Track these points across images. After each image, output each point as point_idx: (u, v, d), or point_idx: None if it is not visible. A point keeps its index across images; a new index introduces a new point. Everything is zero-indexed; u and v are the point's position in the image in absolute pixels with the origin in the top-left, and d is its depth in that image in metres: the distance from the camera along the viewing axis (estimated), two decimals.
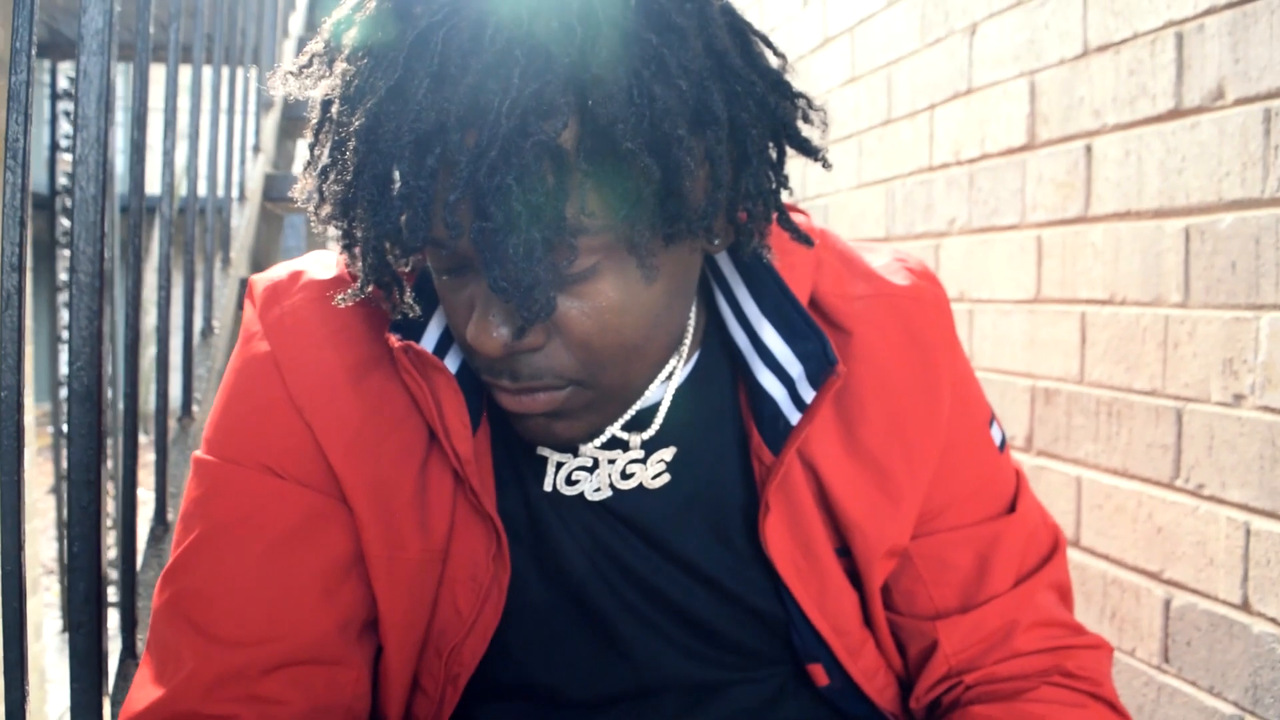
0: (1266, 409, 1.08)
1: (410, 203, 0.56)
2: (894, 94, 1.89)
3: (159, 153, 1.43)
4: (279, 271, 0.75)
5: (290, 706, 0.66)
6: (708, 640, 0.76)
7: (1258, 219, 1.09)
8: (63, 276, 3.62)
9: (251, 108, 2.14)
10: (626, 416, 0.71)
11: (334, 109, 0.60)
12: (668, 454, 0.73)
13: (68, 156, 3.66)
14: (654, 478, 0.73)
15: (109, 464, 2.62)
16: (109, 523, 2.98)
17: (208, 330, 1.73)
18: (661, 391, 0.72)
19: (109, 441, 2.61)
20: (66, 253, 3.53)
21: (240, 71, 1.97)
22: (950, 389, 0.78)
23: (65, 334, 3.55)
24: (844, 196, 2.11)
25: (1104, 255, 1.32)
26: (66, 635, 3.29)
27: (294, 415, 0.69)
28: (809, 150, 0.68)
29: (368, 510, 0.69)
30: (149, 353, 1.68)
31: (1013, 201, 1.52)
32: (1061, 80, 1.40)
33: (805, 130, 0.68)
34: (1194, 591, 1.18)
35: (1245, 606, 1.10)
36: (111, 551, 2.75)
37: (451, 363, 0.71)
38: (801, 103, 0.66)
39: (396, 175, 0.57)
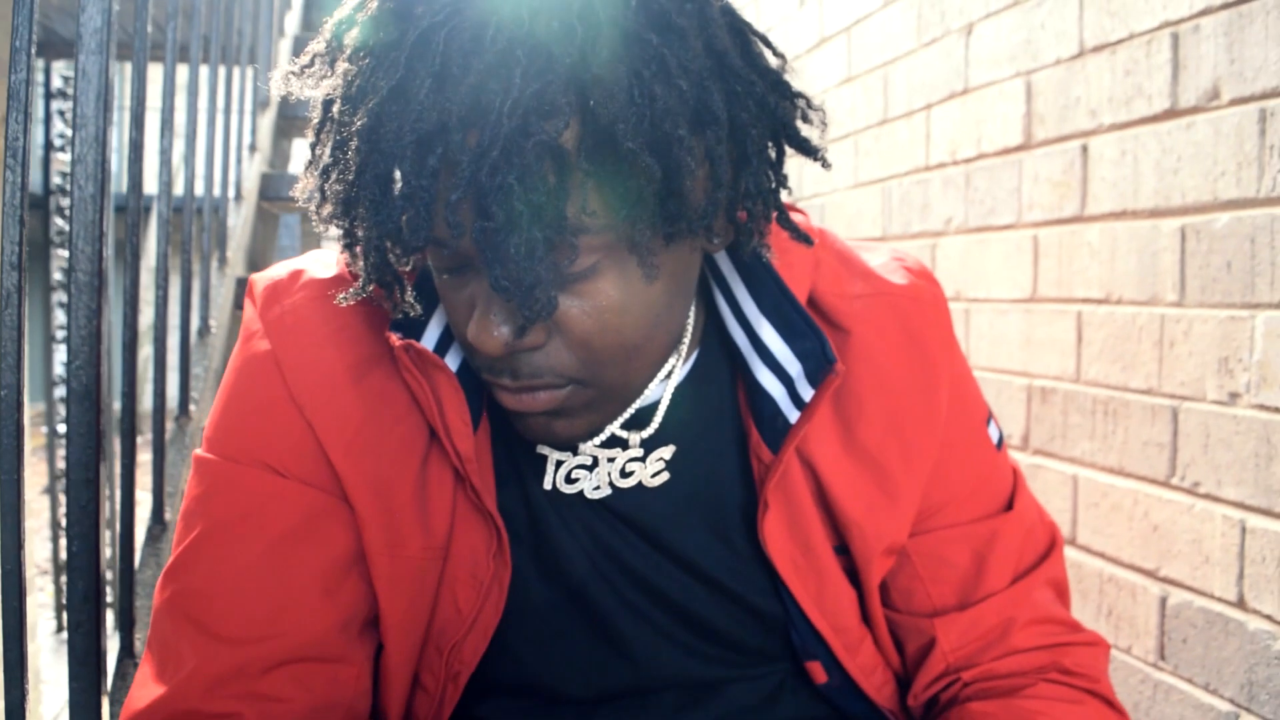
0: (1262, 407, 1.08)
1: (412, 202, 0.56)
2: (890, 94, 1.89)
3: (152, 152, 1.43)
4: (279, 270, 0.75)
5: (291, 704, 0.66)
6: (707, 638, 0.76)
7: (1253, 218, 1.09)
8: (57, 276, 3.61)
9: (248, 107, 2.13)
10: (626, 415, 0.71)
11: (335, 108, 0.60)
12: (667, 452, 0.73)
13: (62, 156, 3.65)
14: (653, 476, 0.73)
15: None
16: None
17: (204, 329, 1.73)
18: (661, 390, 0.73)
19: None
20: (61, 252, 3.52)
21: (237, 71, 1.96)
22: (948, 387, 0.78)
23: (60, 334, 3.54)
24: (840, 196, 2.12)
25: (1100, 255, 1.33)
26: (60, 636, 3.28)
27: (295, 413, 0.69)
28: (808, 150, 0.68)
29: (369, 508, 0.69)
30: (144, 352, 1.68)
31: (1009, 201, 1.52)
32: (1057, 80, 1.40)
33: (804, 130, 0.68)
34: (1190, 589, 1.19)
35: (1241, 604, 1.11)
36: (107, 550, 2.74)
37: (452, 361, 0.71)
38: (801, 103, 0.67)
39: (398, 175, 0.57)
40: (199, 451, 0.72)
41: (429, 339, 0.71)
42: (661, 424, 0.73)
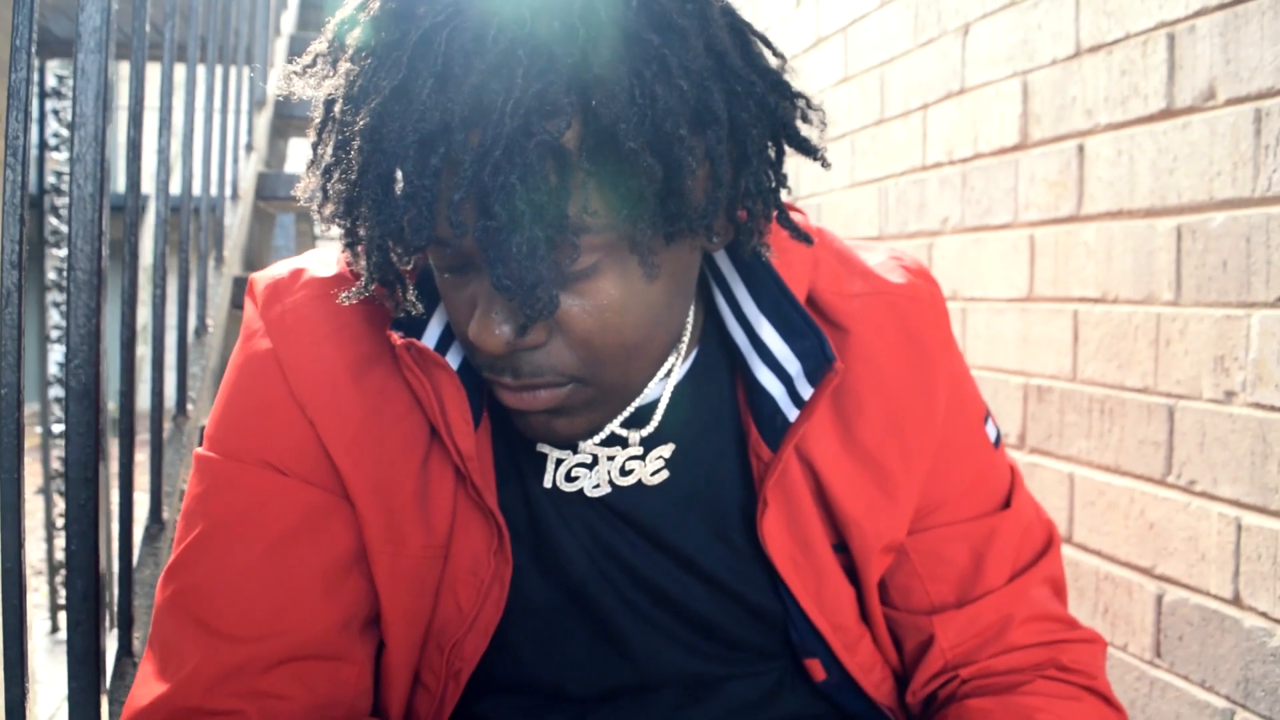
0: (1257, 406, 1.09)
1: (414, 202, 0.57)
2: (887, 94, 1.90)
3: (149, 151, 1.43)
4: (280, 269, 0.75)
5: (293, 702, 0.66)
6: (706, 635, 0.77)
7: (1248, 218, 1.10)
8: (51, 276, 3.60)
9: (244, 106, 2.13)
10: (626, 413, 0.71)
11: (337, 108, 0.60)
12: (666, 451, 0.73)
13: (56, 155, 3.64)
14: (653, 474, 0.73)
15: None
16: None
17: (202, 329, 1.73)
18: (660, 389, 0.73)
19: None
20: (56, 252, 3.51)
21: (233, 70, 1.96)
22: (946, 386, 0.78)
23: (54, 333, 3.53)
24: (837, 196, 2.12)
25: (1096, 254, 1.33)
26: (55, 637, 3.28)
27: (296, 412, 0.69)
28: (808, 150, 0.68)
29: (370, 506, 0.69)
30: (140, 351, 1.68)
31: (1005, 201, 1.53)
32: (1054, 80, 1.41)
33: (803, 130, 0.68)
34: (1186, 586, 1.19)
35: (1236, 601, 1.11)
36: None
37: (453, 359, 0.71)
38: (801, 103, 0.67)
39: (400, 175, 0.58)
40: (200, 450, 0.72)
41: (430, 337, 0.71)
42: (661, 422, 0.73)
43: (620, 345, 0.63)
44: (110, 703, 1.07)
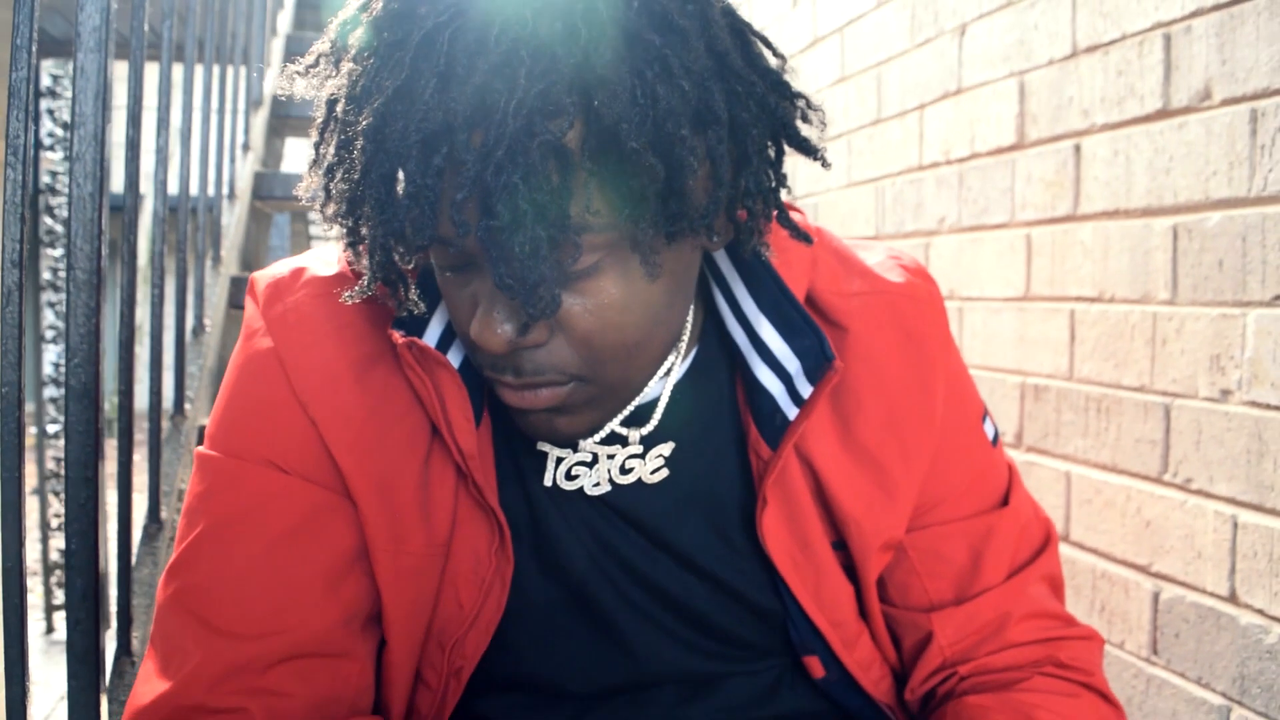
0: (1253, 404, 1.09)
1: (417, 201, 0.57)
2: (884, 94, 1.90)
3: (147, 151, 1.42)
4: (281, 268, 0.75)
5: (295, 699, 0.66)
6: (705, 633, 0.77)
7: (1244, 217, 1.10)
8: (45, 275, 3.59)
9: (241, 106, 2.13)
10: (626, 412, 0.72)
11: (340, 107, 0.60)
12: (666, 449, 0.74)
13: (51, 155, 3.63)
14: (652, 473, 0.74)
15: None
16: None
17: (199, 328, 1.73)
18: (660, 387, 0.73)
19: None
20: (50, 251, 3.50)
21: (230, 70, 1.96)
22: (944, 385, 0.79)
23: (49, 333, 3.51)
24: (834, 195, 2.12)
25: (1093, 253, 1.34)
26: (50, 637, 3.27)
27: (298, 410, 0.69)
28: (808, 149, 0.68)
29: (372, 505, 0.69)
30: (136, 350, 1.68)
31: (1002, 200, 1.53)
32: (1050, 80, 1.41)
33: (803, 130, 0.68)
34: (1182, 584, 1.20)
35: (1233, 598, 1.12)
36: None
37: (454, 358, 0.71)
38: (801, 103, 0.67)
39: (402, 175, 0.58)
40: (201, 449, 0.72)
41: (431, 336, 0.71)
42: (661, 421, 0.73)
43: (621, 344, 0.64)
44: (109, 701, 1.07)
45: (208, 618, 0.67)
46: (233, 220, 1.99)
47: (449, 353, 0.71)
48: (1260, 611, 1.08)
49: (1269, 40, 1.07)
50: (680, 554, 0.75)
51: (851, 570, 0.78)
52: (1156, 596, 1.24)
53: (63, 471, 3.44)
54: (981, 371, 1.59)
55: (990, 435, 0.83)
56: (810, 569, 0.76)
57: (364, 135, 0.58)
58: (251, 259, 2.21)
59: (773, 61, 0.67)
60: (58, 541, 3.43)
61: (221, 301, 1.87)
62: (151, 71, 1.45)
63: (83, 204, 0.88)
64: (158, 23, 1.44)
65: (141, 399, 1.37)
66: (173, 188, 1.58)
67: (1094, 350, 1.34)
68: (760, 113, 0.63)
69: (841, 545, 0.77)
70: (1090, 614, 1.36)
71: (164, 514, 1.37)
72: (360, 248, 0.63)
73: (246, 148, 2.15)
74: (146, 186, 1.81)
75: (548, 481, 0.72)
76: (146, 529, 1.36)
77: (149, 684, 0.67)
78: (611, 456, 0.73)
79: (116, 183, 1.11)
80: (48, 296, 3.61)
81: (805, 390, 0.72)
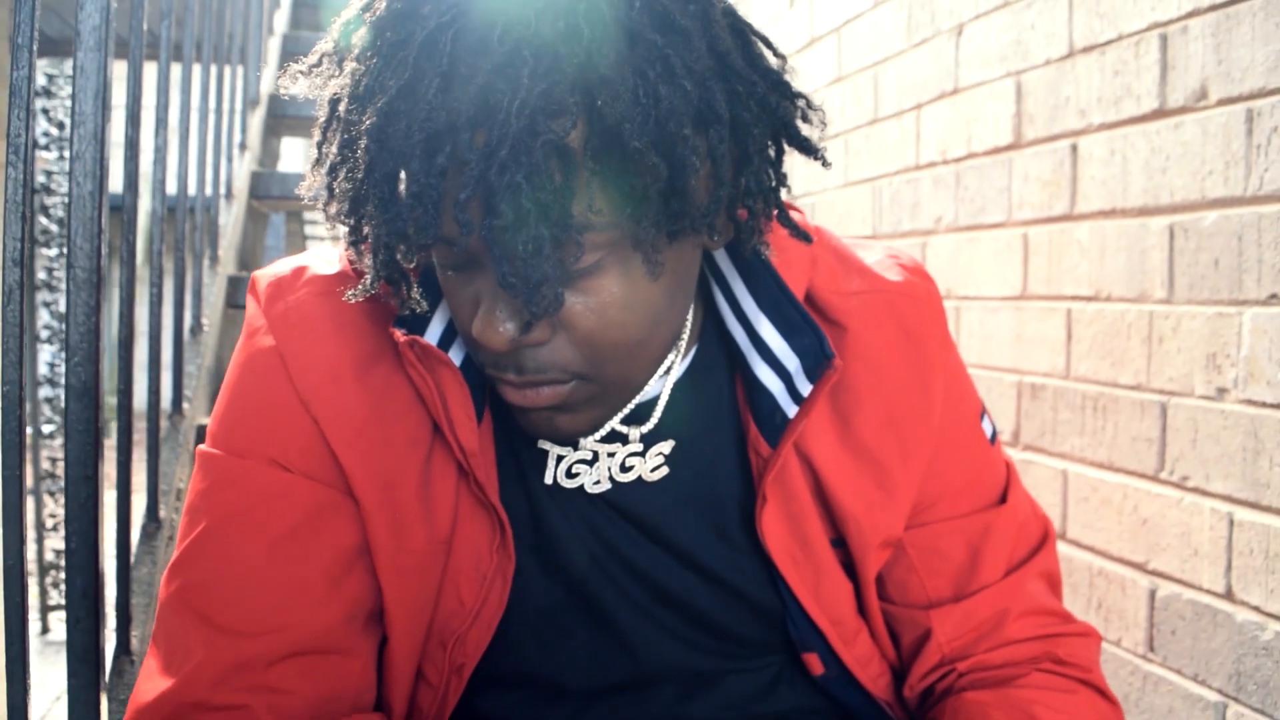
0: (1249, 402, 1.10)
1: (421, 201, 0.57)
2: (881, 94, 1.90)
3: (145, 150, 1.42)
4: (282, 266, 0.75)
5: (298, 696, 0.67)
6: (705, 630, 0.77)
7: (1240, 217, 1.11)
8: (41, 275, 3.58)
9: (238, 105, 2.13)
10: (626, 410, 0.72)
11: (342, 107, 0.60)
12: (666, 447, 0.74)
13: (46, 154, 3.62)
14: (652, 471, 0.74)
15: None
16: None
17: (197, 327, 1.73)
18: (660, 386, 0.73)
19: None
20: (45, 251, 3.50)
21: (227, 69, 1.96)
22: (943, 383, 0.79)
23: (44, 333, 3.51)
24: (831, 195, 2.13)
25: (1089, 252, 1.34)
26: (45, 637, 3.27)
27: (299, 409, 0.69)
28: (808, 149, 0.69)
29: (373, 503, 0.70)
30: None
31: (999, 200, 1.54)
32: (1047, 80, 1.42)
33: (803, 129, 0.69)
34: (1179, 581, 1.20)
35: (1229, 595, 1.13)
36: None
37: (455, 356, 0.71)
38: (801, 102, 0.68)
39: (405, 174, 0.58)
40: (203, 447, 0.72)
41: (432, 334, 0.72)
42: (661, 419, 0.74)
43: (623, 342, 0.64)
44: (109, 700, 1.07)
45: (210, 615, 0.67)
46: (230, 220, 1.99)
47: (450, 351, 0.71)
48: (1256, 608, 1.09)
49: (1265, 40, 1.07)
50: (680, 552, 0.76)
51: (850, 568, 0.78)
52: (1153, 594, 1.25)
53: (58, 472, 3.43)
54: (979, 370, 1.59)
55: (988, 433, 0.84)
56: (809, 567, 0.76)
57: (367, 135, 0.58)
58: (249, 258, 2.21)
59: (773, 61, 0.67)
60: (52, 542, 3.42)
61: (219, 301, 1.87)
62: (149, 72, 1.45)
63: (83, 203, 0.88)
64: (156, 23, 1.44)
65: (140, 398, 1.37)
66: (171, 187, 1.58)
67: (1091, 349, 1.34)
68: (761, 112, 0.64)
69: (840, 543, 0.77)
70: (1087, 611, 1.37)
71: (162, 513, 1.37)
72: (362, 246, 0.64)
73: (244, 147, 2.15)
74: (144, 186, 1.81)
75: (548, 479, 0.73)
76: (145, 528, 1.36)
77: (151, 681, 0.67)
78: (612, 454, 0.73)
79: (115, 182, 1.11)
80: (43, 296, 3.60)
81: (805, 388, 0.72)
